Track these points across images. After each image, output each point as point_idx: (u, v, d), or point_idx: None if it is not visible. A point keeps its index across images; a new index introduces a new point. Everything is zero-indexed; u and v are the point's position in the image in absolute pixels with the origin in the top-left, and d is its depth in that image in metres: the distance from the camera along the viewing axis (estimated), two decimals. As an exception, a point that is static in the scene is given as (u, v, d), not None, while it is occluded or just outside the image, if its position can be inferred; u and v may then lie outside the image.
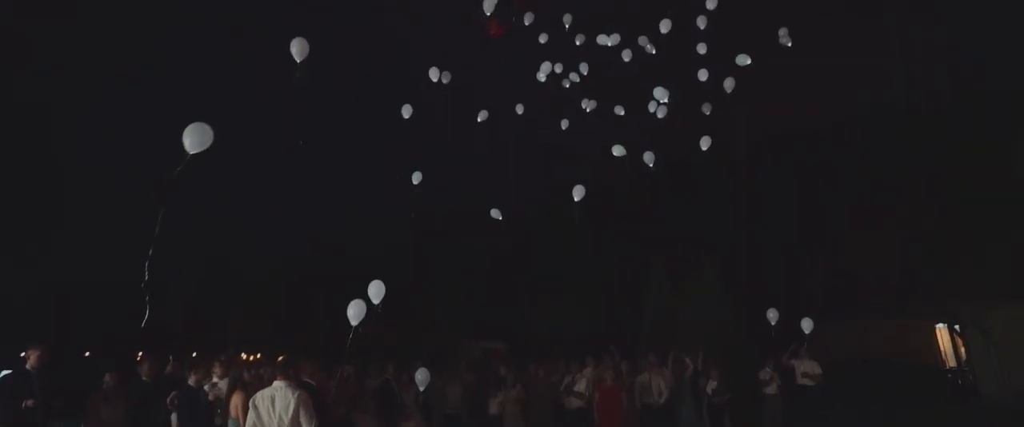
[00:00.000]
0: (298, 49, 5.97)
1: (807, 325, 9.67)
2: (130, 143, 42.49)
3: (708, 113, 9.45)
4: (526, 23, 9.18)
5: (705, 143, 9.56)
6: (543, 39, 9.60)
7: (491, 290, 25.63)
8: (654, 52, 9.27)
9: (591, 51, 9.54)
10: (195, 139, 4.04)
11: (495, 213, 10.21)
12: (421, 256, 25.02)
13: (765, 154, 23.04)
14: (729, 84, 9.29)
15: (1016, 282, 14.53)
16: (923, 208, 17.76)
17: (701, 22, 9.14)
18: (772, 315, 9.93)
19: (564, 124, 10.11)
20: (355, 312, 5.89)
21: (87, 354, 19.33)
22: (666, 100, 9.04)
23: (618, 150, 9.10)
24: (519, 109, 10.28)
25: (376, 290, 6.32)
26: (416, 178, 9.17)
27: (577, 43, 9.57)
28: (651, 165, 9.28)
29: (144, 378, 6.84)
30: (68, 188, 29.56)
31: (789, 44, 8.84)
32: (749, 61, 9.17)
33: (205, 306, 25.91)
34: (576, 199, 9.15)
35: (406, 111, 9.27)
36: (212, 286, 27.05)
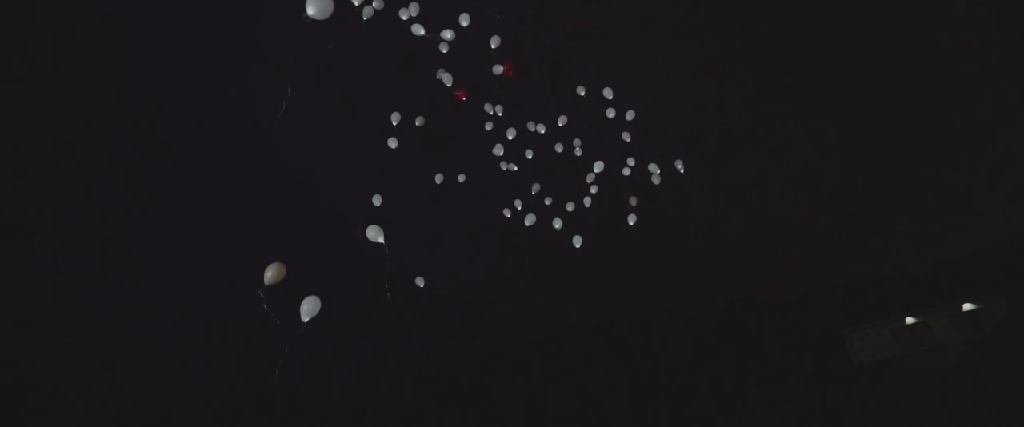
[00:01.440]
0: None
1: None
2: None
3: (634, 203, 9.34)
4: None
5: (631, 221, 9.37)
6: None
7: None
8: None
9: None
10: (319, 8, 4.57)
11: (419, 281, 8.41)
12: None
13: (650, 334, 24.80)
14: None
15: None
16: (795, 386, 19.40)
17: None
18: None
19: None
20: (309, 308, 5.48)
21: None
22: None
23: (557, 223, 8.62)
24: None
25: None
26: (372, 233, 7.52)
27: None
28: (559, 227, 8.70)
29: None
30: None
31: (682, 171, 9.03)
32: (633, 221, 9.41)
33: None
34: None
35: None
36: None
